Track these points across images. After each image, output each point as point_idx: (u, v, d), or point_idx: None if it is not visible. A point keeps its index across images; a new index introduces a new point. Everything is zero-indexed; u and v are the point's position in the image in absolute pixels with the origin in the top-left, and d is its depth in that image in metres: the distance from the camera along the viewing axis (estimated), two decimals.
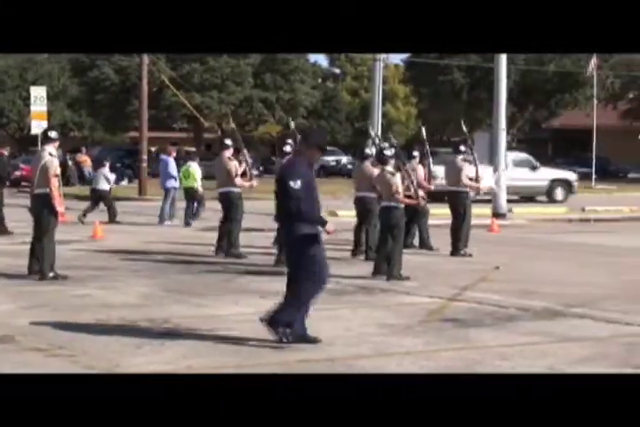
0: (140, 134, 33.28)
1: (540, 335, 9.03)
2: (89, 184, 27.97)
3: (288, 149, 14.94)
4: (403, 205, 13.07)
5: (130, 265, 14.11)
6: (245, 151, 15.74)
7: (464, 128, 17.05)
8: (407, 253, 13.96)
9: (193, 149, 44.81)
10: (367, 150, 15.85)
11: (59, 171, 12.60)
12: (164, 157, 23.97)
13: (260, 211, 20.74)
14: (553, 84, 49.74)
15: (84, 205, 22.82)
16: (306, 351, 8.17)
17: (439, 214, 18.15)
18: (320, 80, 63.11)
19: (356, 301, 11.09)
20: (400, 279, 12.65)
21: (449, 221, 16.15)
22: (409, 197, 13.34)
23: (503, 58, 25.25)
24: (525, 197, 31.31)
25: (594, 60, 43.99)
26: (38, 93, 31.70)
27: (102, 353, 8.09)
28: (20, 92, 53.14)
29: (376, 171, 13.89)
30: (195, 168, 22.13)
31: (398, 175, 13.13)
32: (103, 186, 22.70)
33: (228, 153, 15.53)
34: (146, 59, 33.24)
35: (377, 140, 15.83)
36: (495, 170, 24.29)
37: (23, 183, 32.18)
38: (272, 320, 8.40)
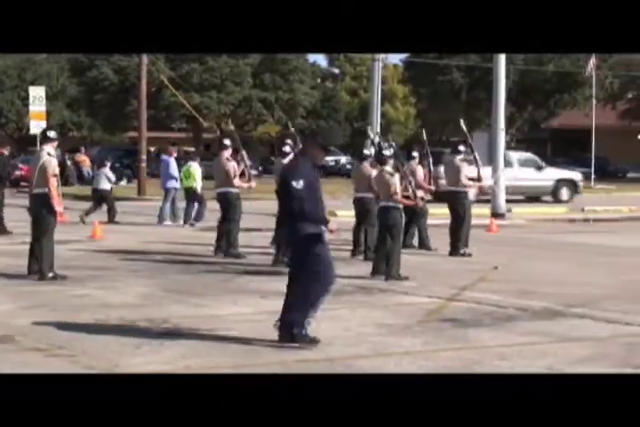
0: (138, 134, 33.30)
1: (540, 335, 9.03)
2: (88, 184, 27.97)
3: (287, 149, 14.96)
4: (401, 206, 13.08)
5: (129, 265, 14.11)
6: (244, 152, 15.72)
7: (464, 128, 16.96)
8: (406, 253, 13.97)
9: (192, 149, 44.81)
10: (366, 151, 15.85)
11: (57, 171, 12.60)
12: (164, 157, 23.93)
13: (258, 211, 20.74)
14: (552, 84, 49.67)
15: (83, 204, 22.81)
16: (304, 351, 8.18)
17: (438, 214, 18.14)
18: (319, 80, 63.03)
19: (354, 301, 11.08)
20: (399, 279, 12.66)
21: (448, 221, 16.16)
22: (407, 197, 13.35)
23: (502, 58, 25.25)
24: (531, 197, 31.32)
25: (593, 60, 43.98)
26: (37, 93, 31.66)
27: (102, 353, 8.09)
28: (18, 92, 53.08)
29: (375, 171, 13.90)
30: (195, 168, 22.09)
31: (397, 175, 13.14)
32: (104, 186, 22.65)
33: (227, 153, 15.52)
34: (145, 59, 33.26)
35: (377, 139, 15.80)
36: (495, 170, 24.28)
37: (22, 183, 32.15)
38: (286, 325, 8.35)
